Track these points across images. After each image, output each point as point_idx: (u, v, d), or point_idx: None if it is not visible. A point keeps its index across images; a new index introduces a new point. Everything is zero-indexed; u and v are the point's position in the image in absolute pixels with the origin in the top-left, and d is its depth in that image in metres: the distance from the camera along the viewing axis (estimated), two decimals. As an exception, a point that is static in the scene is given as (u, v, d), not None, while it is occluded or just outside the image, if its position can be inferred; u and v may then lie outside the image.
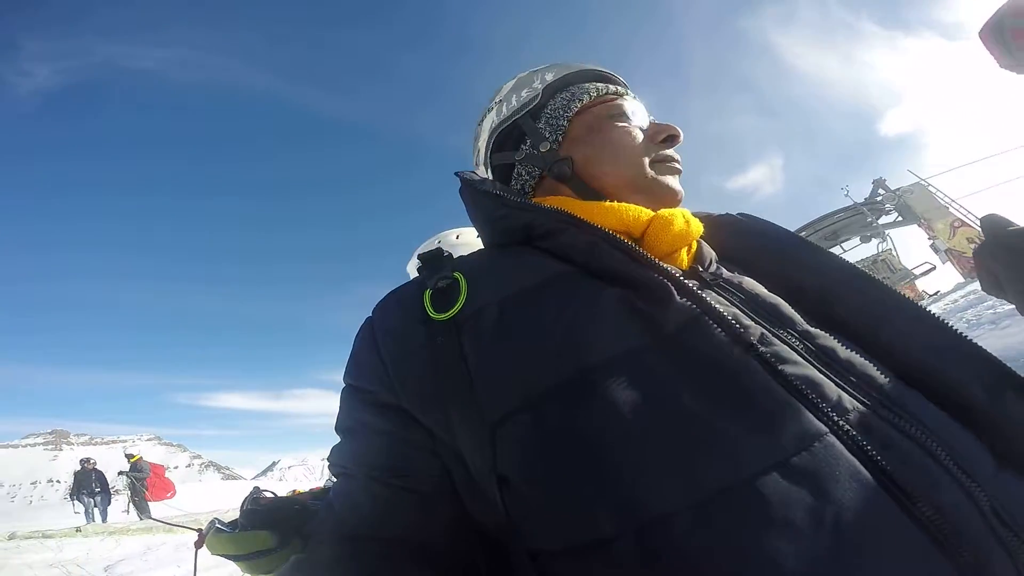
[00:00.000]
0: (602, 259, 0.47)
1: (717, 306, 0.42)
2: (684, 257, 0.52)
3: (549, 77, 0.66)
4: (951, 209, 12.19)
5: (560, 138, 0.63)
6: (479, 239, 0.66)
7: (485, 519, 0.42)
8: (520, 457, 0.39)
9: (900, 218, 13.60)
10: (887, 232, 13.75)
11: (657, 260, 0.46)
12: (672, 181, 0.59)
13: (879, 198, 13.96)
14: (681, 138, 0.61)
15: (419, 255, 0.56)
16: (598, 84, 0.64)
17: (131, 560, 4.72)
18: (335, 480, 0.50)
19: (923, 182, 12.96)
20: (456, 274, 0.50)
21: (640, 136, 0.60)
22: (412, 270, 1.41)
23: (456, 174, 0.63)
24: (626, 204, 0.54)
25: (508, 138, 0.67)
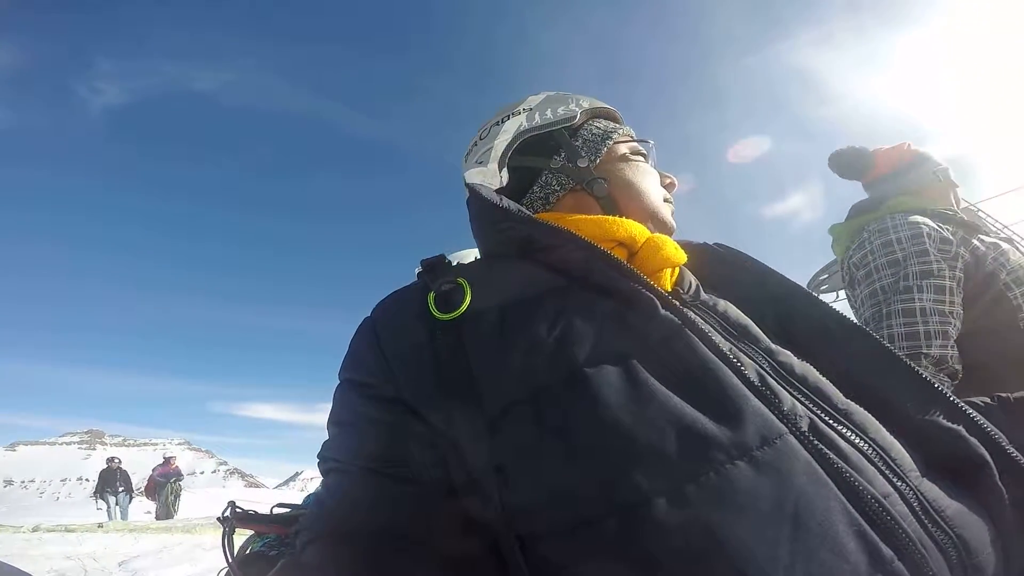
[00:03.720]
0: (596, 274, 0.51)
1: (697, 322, 0.48)
2: (667, 279, 0.57)
3: (585, 104, 0.71)
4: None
5: (597, 160, 0.68)
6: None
7: (478, 510, 0.43)
8: (516, 447, 0.42)
9: (948, 244, 12.96)
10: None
11: (645, 278, 0.51)
12: (671, 218, 0.69)
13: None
14: (677, 186, 0.72)
15: (422, 261, 0.59)
16: (627, 127, 0.73)
17: (146, 557, 4.71)
18: (324, 476, 0.50)
19: (972, 207, 12.30)
20: (460, 280, 0.53)
21: (656, 178, 0.70)
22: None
23: (467, 184, 0.67)
24: (633, 222, 0.60)
25: (539, 146, 0.68)
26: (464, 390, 0.45)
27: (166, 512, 9.88)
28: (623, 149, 0.71)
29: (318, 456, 0.51)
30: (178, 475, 10.52)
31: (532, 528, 0.40)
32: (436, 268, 0.57)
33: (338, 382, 0.53)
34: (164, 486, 10.20)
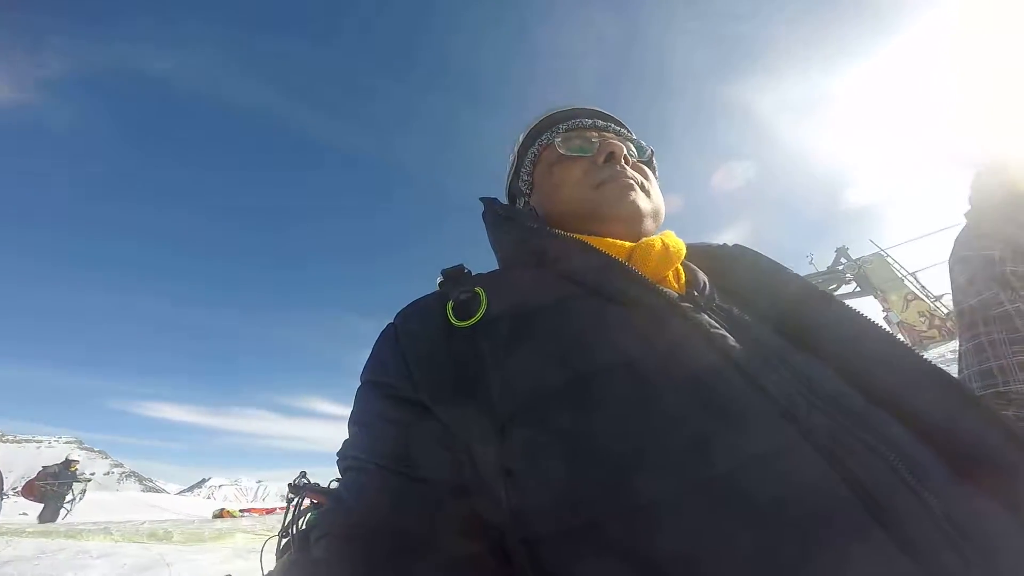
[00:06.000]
0: (608, 282, 0.52)
1: (707, 326, 0.47)
2: (675, 281, 0.58)
3: (521, 138, 0.77)
4: (906, 282, 12.71)
5: (530, 191, 0.74)
6: None
7: (487, 512, 0.43)
8: (525, 450, 0.42)
9: (858, 288, 14.06)
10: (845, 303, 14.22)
11: (656, 284, 0.52)
12: (617, 197, 0.63)
13: (840, 267, 14.48)
14: (620, 152, 0.65)
15: (443, 271, 0.60)
16: (549, 131, 0.73)
17: (20, 563, 4.11)
18: (342, 475, 0.51)
19: (882, 252, 13.57)
20: (477, 289, 0.54)
21: (580, 168, 0.66)
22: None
23: (481, 199, 0.71)
24: (606, 240, 0.59)
25: (511, 198, 0.79)
26: (477, 393, 0.46)
27: (52, 514, 9.17)
28: (544, 163, 0.72)
29: (337, 454, 0.53)
30: (74, 478, 10.08)
31: (538, 530, 0.40)
32: (455, 278, 0.59)
33: (360, 384, 0.55)
34: (60, 488, 9.65)
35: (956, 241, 1.07)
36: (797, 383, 0.45)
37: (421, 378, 0.49)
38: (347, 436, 0.53)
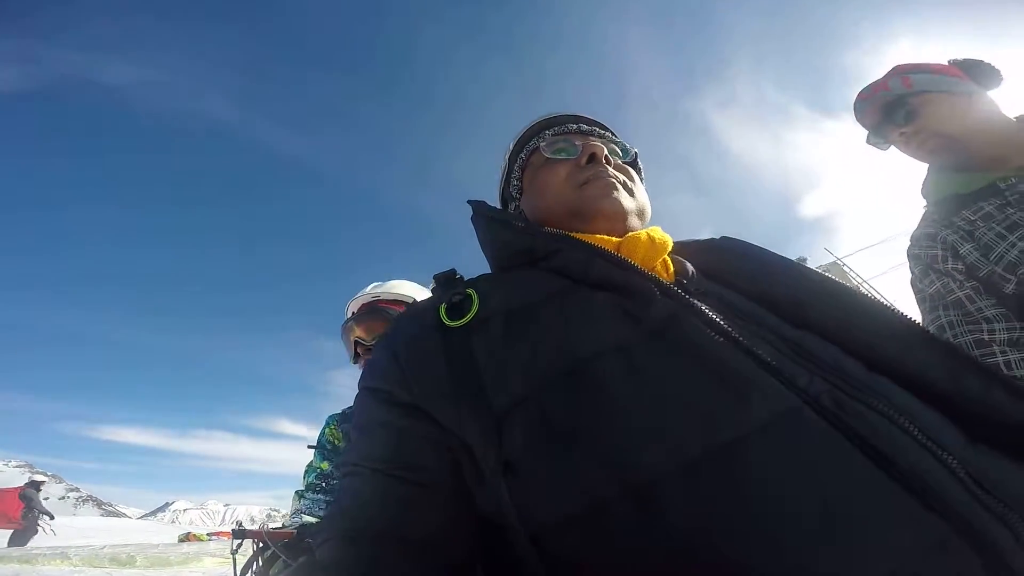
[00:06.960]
0: (596, 272, 0.53)
1: (699, 307, 0.47)
2: (663, 272, 0.59)
3: (511, 145, 0.80)
4: (861, 289, 13.19)
5: (520, 195, 0.78)
6: (407, 289, 0.77)
7: (489, 510, 0.43)
8: (524, 441, 0.42)
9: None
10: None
11: (643, 268, 0.52)
12: (599, 195, 0.65)
13: (799, 276, 14.89)
14: (601, 153, 0.68)
15: (435, 276, 0.63)
16: (536, 136, 0.76)
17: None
18: (342, 480, 0.52)
19: (839, 261, 14.19)
20: (469, 290, 0.56)
21: (564, 170, 0.69)
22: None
23: (469, 202, 0.72)
24: (594, 236, 0.61)
25: (503, 203, 0.83)
26: (473, 392, 0.46)
27: (25, 538, 8.98)
28: (531, 167, 0.75)
29: (340, 460, 0.54)
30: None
31: (543, 521, 0.40)
32: (448, 282, 0.61)
33: (358, 391, 0.56)
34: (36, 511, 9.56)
35: (911, 236, 1.20)
36: (796, 355, 0.45)
37: (416, 381, 0.50)
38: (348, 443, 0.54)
